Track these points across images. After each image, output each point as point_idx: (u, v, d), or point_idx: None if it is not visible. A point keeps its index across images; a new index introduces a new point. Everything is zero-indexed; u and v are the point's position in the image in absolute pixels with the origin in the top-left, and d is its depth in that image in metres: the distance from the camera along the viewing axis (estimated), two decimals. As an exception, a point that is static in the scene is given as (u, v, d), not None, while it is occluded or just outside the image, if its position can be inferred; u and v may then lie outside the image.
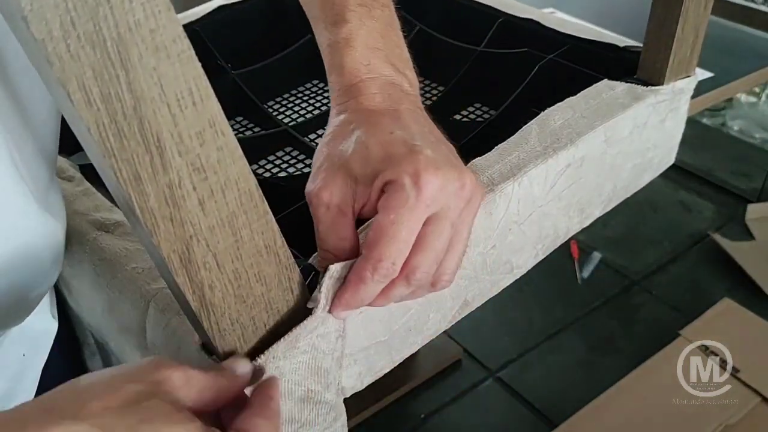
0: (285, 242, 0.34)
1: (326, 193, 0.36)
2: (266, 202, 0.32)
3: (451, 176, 0.36)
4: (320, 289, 0.36)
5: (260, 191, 0.32)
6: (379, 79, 0.40)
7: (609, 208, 0.64)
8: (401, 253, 0.35)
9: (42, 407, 0.27)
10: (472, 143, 0.66)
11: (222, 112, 0.29)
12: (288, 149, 0.70)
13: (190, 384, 0.30)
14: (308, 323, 0.37)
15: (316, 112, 0.76)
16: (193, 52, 0.26)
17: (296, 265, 0.36)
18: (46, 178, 0.41)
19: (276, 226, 0.33)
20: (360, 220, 0.38)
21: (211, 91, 0.28)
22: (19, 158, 0.37)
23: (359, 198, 0.36)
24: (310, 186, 0.37)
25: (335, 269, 0.36)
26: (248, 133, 0.73)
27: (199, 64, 0.27)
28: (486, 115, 0.75)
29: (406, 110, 0.39)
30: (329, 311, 0.37)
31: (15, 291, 0.40)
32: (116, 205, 0.50)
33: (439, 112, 0.74)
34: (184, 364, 0.31)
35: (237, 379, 0.33)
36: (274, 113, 0.76)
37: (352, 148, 0.37)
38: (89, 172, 0.54)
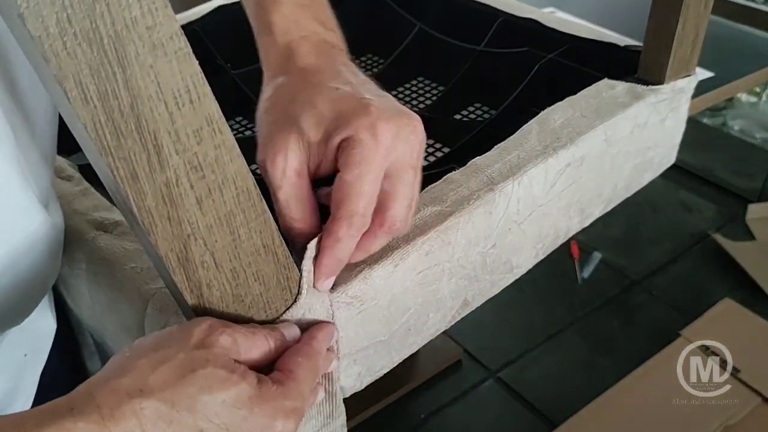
0: (283, 241, 0.34)
1: (281, 158, 0.36)
2: (264, 201, 0.32)
3: (402, 122, 0.36)
4: (302, 274, 0.36)
5: (258, 190, 0.32)
6: (311, 37, 0.40)
7: (609, 208, 0.64)
8: (369, 205, 0.36)
9: (107, 387, 0.28)
10: (472, 143, 0.66)
11: (219, 110, 0.28)
12: (287, 149, 0.70)
13: (237, 345, 0.32)
14: (293, 312, 0.37)
15: (316, 111, 0.76)
16: (190, 49, 0.26)
17: (294, 265, 0.36)
18: (47, 180, 0.41)
19: (274, 225, 0.33)
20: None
21: (209, 89, 0.28)
22: (24, 161, 0.37)
23: (313, 159, 0.36)
24: (262, 153, 0.37)
25: (312, 248, 0.36)
26: (248, 133, 0.73)
27: (196, 62, 0.27)
28: (486, 115, 0.75)
29: (342, 66, 0.39)
30: (314, 286, 0.37)
31: (14, 291, 0.40)
32: (115, 205, 0.50)
33: (439, 112, 0.75)
34: (230, 325, 0.32)
35: (285, 343, 0.35)
36: (274, 113, 0.76)
37: (301, 110, 0.37)
38: (88, 172, 0.54)
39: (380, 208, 0.37)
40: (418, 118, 0.37)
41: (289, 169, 0.36)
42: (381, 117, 0.35)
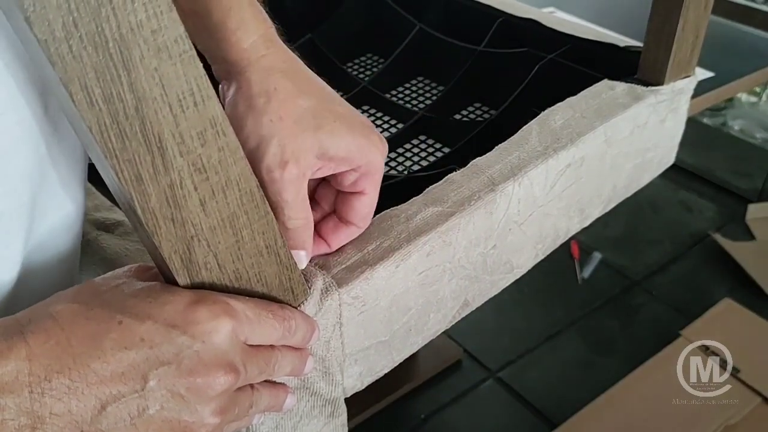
0: (285, 242, 0.34)
1: (294, 164, 0.37)
2: (267, 203, 0.33)
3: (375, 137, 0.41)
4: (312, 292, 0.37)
5: (261, 191, 0.32)
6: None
7: (609, 208, 0.64)
8: None
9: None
10: (472, 143, 0.66)
11: (223, 112, 0.29)
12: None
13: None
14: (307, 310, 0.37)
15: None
16: (194, 52, 0.26)
17: (296, 265, 0.36)
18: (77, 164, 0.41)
19: (277, 226, 0.34)
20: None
21: (213, 91, 0.28)
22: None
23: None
24: (270, 158, 0.36)
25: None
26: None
27: (201, 64, 0.27)
28: (486, 115, 0.75)
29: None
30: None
31: (38, 289, 0.40)
32: (116, 205, 0.50)
33: (439, 112, 0.75)
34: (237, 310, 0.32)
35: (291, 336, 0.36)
36: (275, 113, 0.76)
37: (313, 124, 0.38)
38: (89, 172, 0.54)
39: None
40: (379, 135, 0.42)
41: (304, 174, 0.37)
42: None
